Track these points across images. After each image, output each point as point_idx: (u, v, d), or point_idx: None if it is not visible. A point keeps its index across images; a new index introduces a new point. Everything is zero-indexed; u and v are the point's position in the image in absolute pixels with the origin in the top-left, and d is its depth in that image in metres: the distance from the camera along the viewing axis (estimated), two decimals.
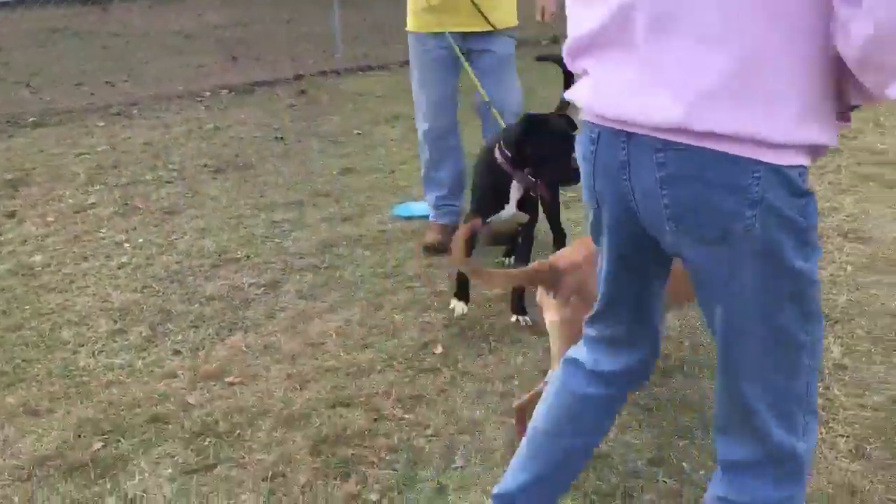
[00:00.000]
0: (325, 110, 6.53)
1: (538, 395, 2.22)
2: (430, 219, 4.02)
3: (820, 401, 2.58)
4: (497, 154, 3.09)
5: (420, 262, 3.77)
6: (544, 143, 2.96)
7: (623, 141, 1.44)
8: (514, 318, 3.21)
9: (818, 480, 2.26)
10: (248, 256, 3.88)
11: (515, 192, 3.15)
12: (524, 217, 3.23)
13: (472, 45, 3.69)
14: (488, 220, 3.20)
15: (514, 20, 3.76)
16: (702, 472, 2.32)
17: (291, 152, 5.45)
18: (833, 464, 2.33)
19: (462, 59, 3.58)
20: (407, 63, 4.05)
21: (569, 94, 1.60)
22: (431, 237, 3.88)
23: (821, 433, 2.46)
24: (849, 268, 3.49)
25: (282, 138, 5.77)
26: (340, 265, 3.76)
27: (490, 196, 3.19)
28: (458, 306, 3.30)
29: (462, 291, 3.32)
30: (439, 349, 3.04)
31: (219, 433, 2.60)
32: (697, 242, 1.42)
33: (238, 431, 2.61)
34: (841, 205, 4.18)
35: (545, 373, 2.83)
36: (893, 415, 2.54)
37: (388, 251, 3.90)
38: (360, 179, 4.88)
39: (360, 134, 5.83)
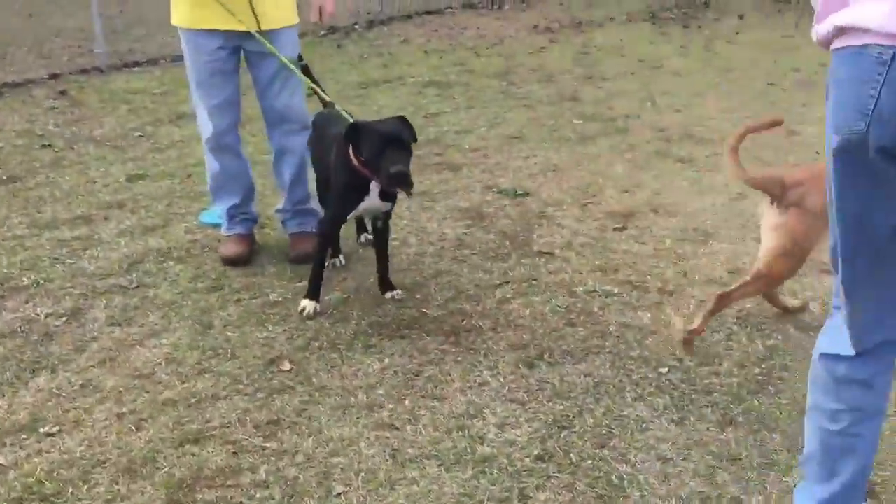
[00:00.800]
0: (96, 112, 5.89)
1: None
2: (224, 231, 3.67)
3: (678, 374, 2.66)
4: (352, 157, 2.95)
5: (246, 271, 3.47)
6: (375, 152, 2.86)
7: None
8: (387, 296, 3.22)
9: (699, 453, 2.31)
10: (37, 283, 3.38)
11: (376, 186, 3.01)
12: (388, 205, 3.13)
13: (251, 46, 3.34)
14: (349, 215, 3.16)
15: (293, 18, 3.44)
16: (589, 462, 2.29)
17: (65, 161, 4.86)
18: (707, 435, 2.39)
19: (291, 67, 3.30)
20: (180, 57, 3.68)
21: (851, 17, 1.53)
22: (230, 250, 3.55)
23: (687, 405, 2.52)
24: (667, 241, 3.65)
25: (50, 145, 5.13)
26: (153, 283, 3.38)
27: (351, 192, 3.05)
28: (310, 305, 3.11)
29: (314, 291, 3.12)
30: (287, 365, 2.80)
31: (46, 495, 2.22)
32: None
33: (70, 490, 2.24)
34: (643, 181, 4.39)
35: (411, 376, 2.70)
36: (745, 380, 2.65)
37: (204, 262, 3.56)
38: (154, 186, 4.44)
39: (142, 136, 5.31)
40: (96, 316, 3.13)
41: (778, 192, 2.64)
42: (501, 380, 2.67)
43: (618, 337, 2.91)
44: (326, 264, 3.45)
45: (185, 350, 2.90)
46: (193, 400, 2.62)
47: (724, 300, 2.77)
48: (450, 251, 3.62)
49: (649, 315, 3.04)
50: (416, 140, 3.00)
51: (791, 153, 4.73)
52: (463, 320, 3.05)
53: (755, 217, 3.80)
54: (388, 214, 3.18)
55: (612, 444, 2.36)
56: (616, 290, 3.23)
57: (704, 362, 2.75)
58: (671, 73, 6.90)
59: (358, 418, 2.51)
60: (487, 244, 3.67)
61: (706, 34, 8.50)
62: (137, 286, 3.36)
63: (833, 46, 1.61)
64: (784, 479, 2.20)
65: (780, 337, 2.88)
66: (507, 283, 3.32)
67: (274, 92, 3.44)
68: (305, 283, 3.29)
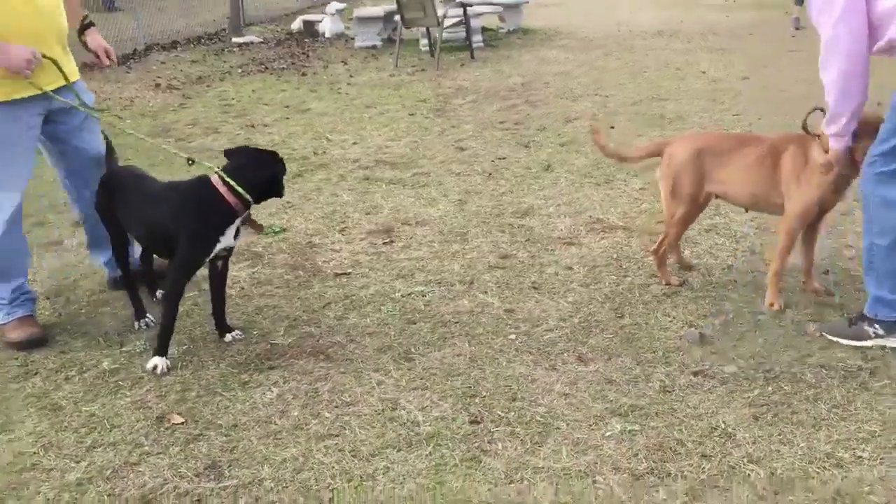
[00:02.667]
0: None
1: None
2: (4, 318, 3.32)
3: (524, 338, 3.20)
4: (228, 197, 3.00)
5: (50, 351, 3.22)
6: (276, 171, 3.14)
7: None
8: (227, 338, 3.26)
9: (584, 384, 2.86)
10: None
11: (234, 226, 3.09)
12: (236, 243, 3.19)
13: (55, 104, 3.27)
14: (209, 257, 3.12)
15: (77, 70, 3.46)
16: (513, 413, 2.71)
17: None
18: (579, 371, 2.95)
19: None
20: None
21: None
22: (25, 333, 3.27)
23: (547, 356, 3.06)
24: (435, 244, 4.17)
25: None
26: None
27: (213, 237, 3.04)
28: (161, 362, 3.06)
29: (163, 348, 3.07)
30: (178, 419, 2.76)
31: None
32: None
33: None
34: (376, 202, 4.86)
35: (312, 394, 2.85)
36: (573, 329, 3.27)
37: None
38: None
39: None
40: None
41: (659, 152, 3.50)
42: (394, 376, 2.96)
43: (456, 323, 3.36)
44: (136, 327, 3.38)
45: (52, 434, 2.68)
46: (108, 472, 2.48)
47: (660, 256, 3.56)
48: (253, 290, 3.73)
49: (466, 301, 3.54)
50: None
51: (469, 164, 5.57)
52: (318, 339, 3.24)
53: (489, 217, 4.53)
54: (230, 253, 3.24)
55: (519, 396, 2.81)
56: (427, 289, 3.66)
57: (535, 325, 3.32)
58: (320, 114, 7.46)
59: (295, 438, 2.62)
60: (282, 277, 3.85)
61: (325, 79, 9.24)
62: None
63: None
64: (650, 384, 2.85)
65: (573, 295, 3.57)
66: (330, 303, 3.56)
67: (85, 139, 3.45)
68: (128, 348, 3.22)
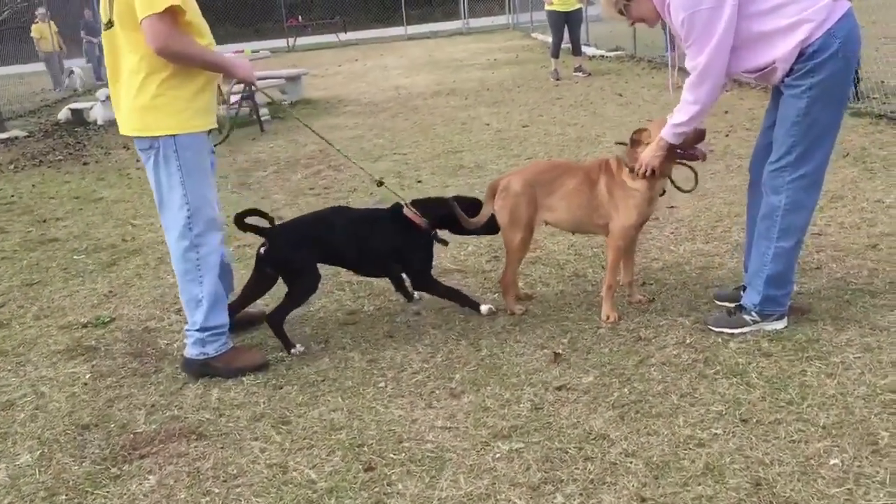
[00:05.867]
0: None
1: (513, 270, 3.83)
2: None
3: (391, 384, 3.30)
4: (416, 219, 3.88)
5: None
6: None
7: None
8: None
9: (462, 416, 3.00)
10: None
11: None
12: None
13: None
14: None
15: None
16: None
17: None
18: (454, 406, 3.09)
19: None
20: None
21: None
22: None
23: (424, 398, 3.18)
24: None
25: None
26: None
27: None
28: (484, 308, 3.90)
29: (467, 300, 3.92)
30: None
31: None
32: None
33: None
34: None
35: (195, 475, 2.78)
36: (437, 368, 3.41)
37: None
38: None
39: None
40: None
41: (493, 191, 3.71)
42: (276, 440, 2.94)
43: (323, 381, 3.38)
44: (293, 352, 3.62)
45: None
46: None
47: (505, 283, 3.83)
48: (97, 383, 3.55)
49: (326, 359, 3.57)
50: None
51: None
52: (184, 420, 3.15)
53: (326, 276, 4.60)
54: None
55: (405, 437, 2.88)
56: (285, 355, 3.66)
57: (401, 370, 3.41)
58: (115, 201, 7.21)
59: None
60: (127, 366, 3.70)
61: (110, 166, 8.91)
62: None
63: (834, 18, 2.93)
64: (522, 405, 3.03)
65: (429, 338, 3.71)
66: (187, 383, 3.47)
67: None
68: None
